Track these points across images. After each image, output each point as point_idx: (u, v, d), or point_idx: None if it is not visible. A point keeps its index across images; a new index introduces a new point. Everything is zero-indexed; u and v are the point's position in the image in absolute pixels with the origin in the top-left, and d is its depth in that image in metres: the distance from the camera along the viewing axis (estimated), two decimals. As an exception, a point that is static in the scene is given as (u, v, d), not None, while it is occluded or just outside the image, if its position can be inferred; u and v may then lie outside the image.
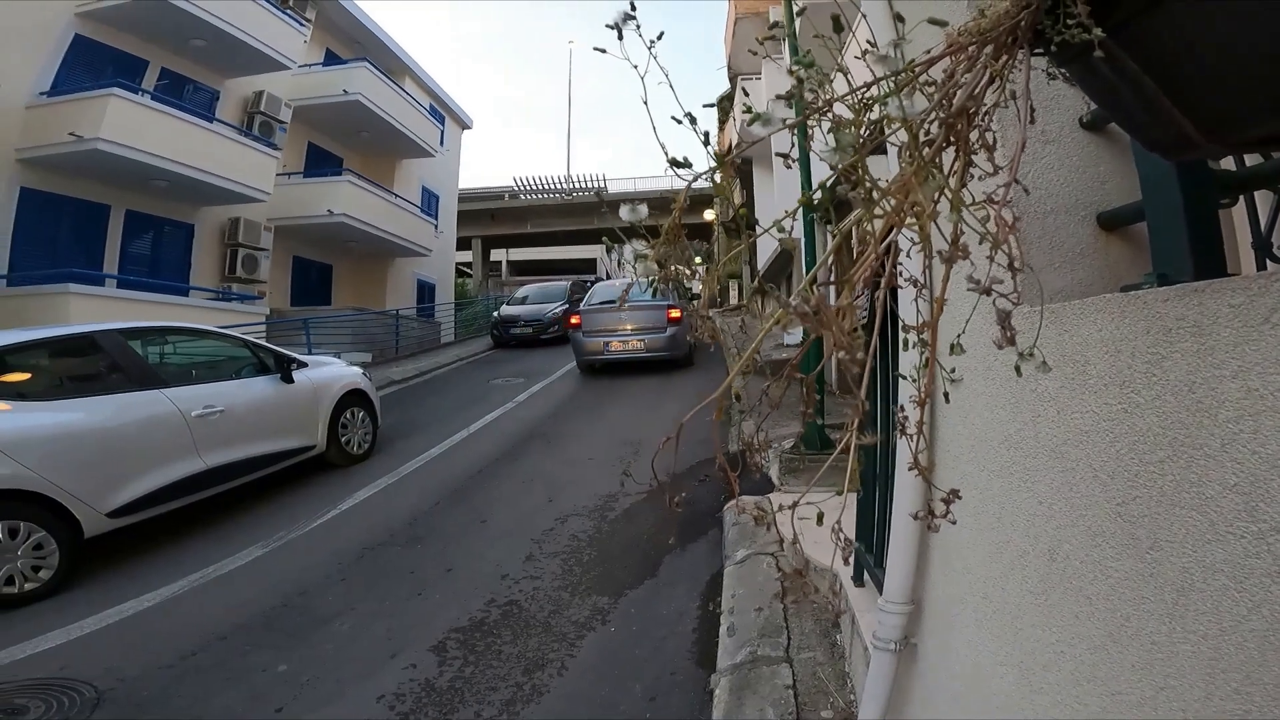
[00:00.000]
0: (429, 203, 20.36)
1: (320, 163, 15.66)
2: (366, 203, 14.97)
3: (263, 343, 5.82)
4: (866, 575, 2.59)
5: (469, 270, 39.02)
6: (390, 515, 4.89)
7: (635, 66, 0.76)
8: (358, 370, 6.74)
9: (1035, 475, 1.04)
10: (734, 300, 28.04)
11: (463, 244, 36.15)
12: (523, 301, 16.80)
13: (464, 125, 23.48)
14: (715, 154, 0.88)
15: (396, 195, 16.78)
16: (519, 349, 14.95)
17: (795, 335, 12.55)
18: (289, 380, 5.61)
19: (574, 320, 10.82)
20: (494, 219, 37.32)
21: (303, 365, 5.92)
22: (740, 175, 20.58)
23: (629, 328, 10.24)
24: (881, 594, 2.17)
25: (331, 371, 6.28)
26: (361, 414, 6.53)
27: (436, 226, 19.98)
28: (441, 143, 20.43)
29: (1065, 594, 0.94)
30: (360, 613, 3.36)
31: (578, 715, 2.43)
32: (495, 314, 16.53)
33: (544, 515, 4.67)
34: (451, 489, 5.45)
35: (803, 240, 5.23)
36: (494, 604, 3.33)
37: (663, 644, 2.89)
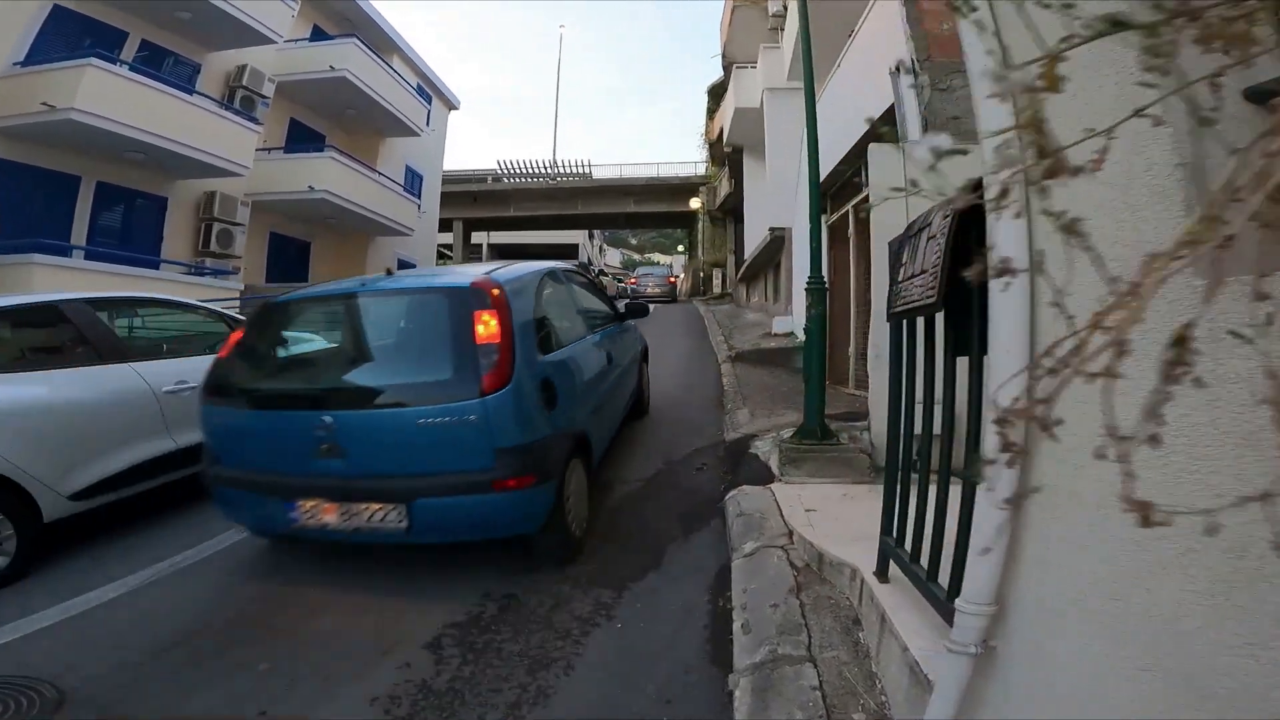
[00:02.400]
0: (412, 182, 19.92)
1: (302, 139, 15.19)
2: (350, 180, 14.56)
3: (236, 315, 5.52)
4: (896, 570, 2.46)
5: (449, 252, 38.51)
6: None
7: None
8: (339, 349, 6.46)
9: (1214, 460, 0.88)
10: (717, 289, 27.96)
11: (444, 225, 35.60)
12: (505, 283, 16.48)
13: (451, 106, 23.02)
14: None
15: (380, 173, 16.35)
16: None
17: (783, 324, 12.47)
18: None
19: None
20: (476, 201, 36.78)
21: (281, 342, 5.63)
22: (730, 164, 20.39)
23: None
24: (931, 591, 2.02)
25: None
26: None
27: (419, 206, 19.52)
28: (428, 122, 20.06)
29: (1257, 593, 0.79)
30: (347, 606, 3.16)
31: (589, 718, 2.26)
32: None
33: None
34: None
35: (808, 223, 5.07)
36: (490, 598, 3.15)
37: (674, 641, 2.73)
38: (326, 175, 13.87)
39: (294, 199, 13.82)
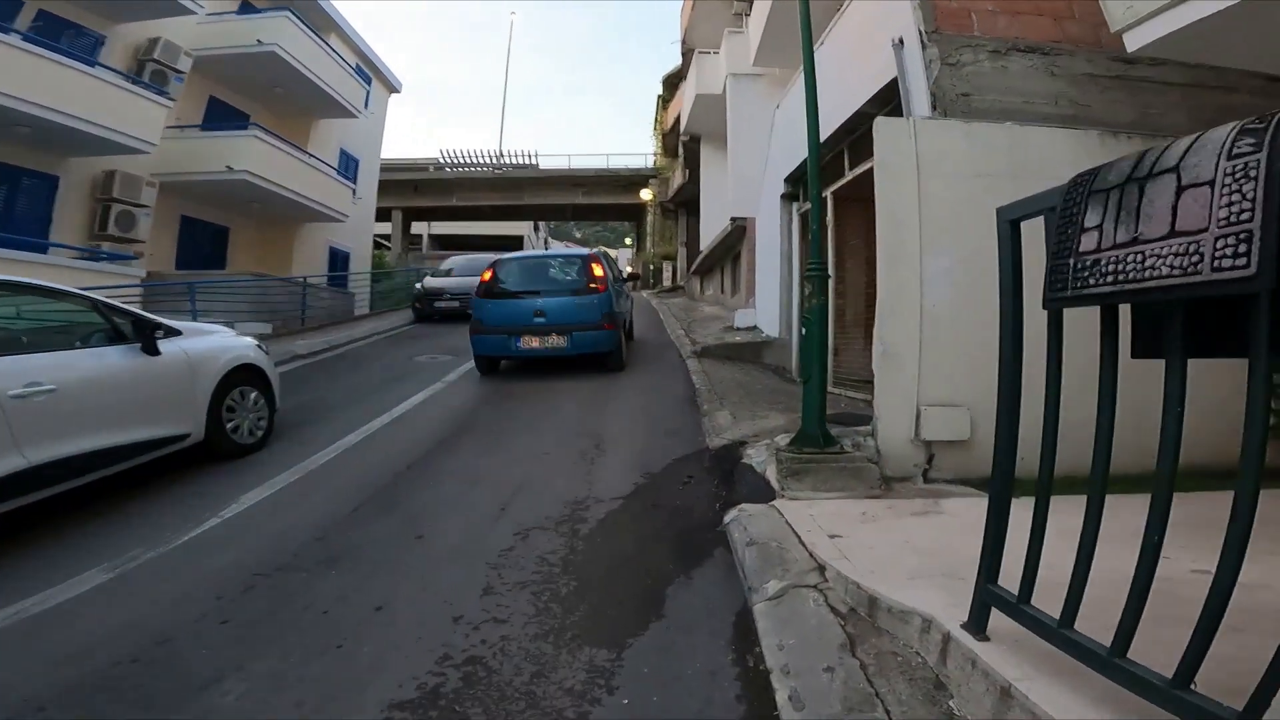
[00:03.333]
0: (347, 166, 18.65)
1: (222, 118, 13.82)
2: (275, 161, 13.36)
3: (117, 304, 4.54)
4: (1003, 619, 1.87)
5: (386, 243, 36.89)
6: (292, 526, 3.83)
7: None
8: (250, 341, 5.52)
9: None
10: (667, 282, 27.45)
11: (382, 215, 34.16)
12: (449, 274, 15.50)
13: (392, 88, 21.75)
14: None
15: (311, 155, 15.07)
16: (444, 324, 13.71)
17: (746, 318, 11.98)
18: (152, 351, 4.39)
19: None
20: (418, 190, 35.49)
21: (174, 333, 4.69)
22: (686, 154, 19.85)
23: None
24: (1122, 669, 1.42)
25: (215, 343, 5.05)
26: (254, 395, 5.34)
27: (355, 191, 18.22)
28: (366, 105, 18.97)
29: None
30: (251, 676, 2.36)
31: None
32: (418, 286, 15.11)
33: (498, 529, 3.73)
34: (374, 491, 4.41)
35: (808, 203, 4.49)
36: (449, 662, 2.41)
37: (700, 723, 2.07)
38: (248, 155, 12.64)
39: (210, 180, 12.53)
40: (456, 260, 17.32)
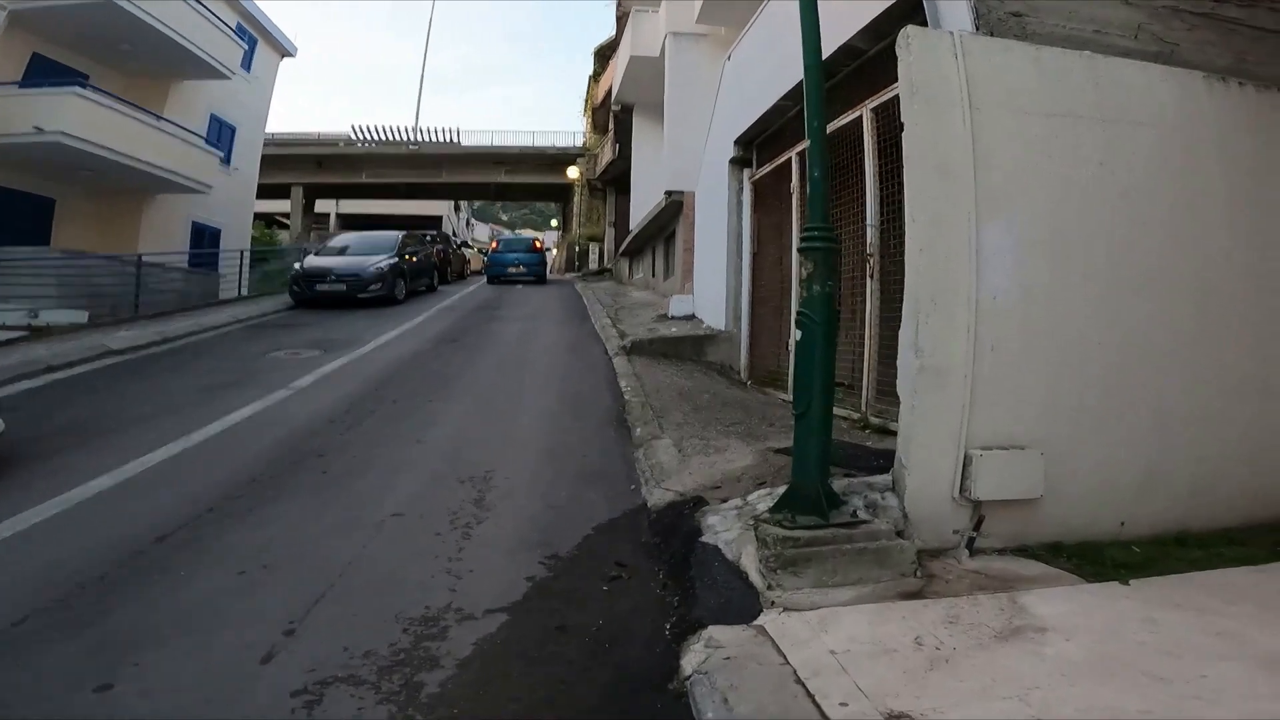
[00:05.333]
0: (220, 134, 15.97)
1: (50, 76, 11.13)
2: (105, 122, 11.02)
3: None
4: None
5: (286, 220, 33.57)
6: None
7: None
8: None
9: None
10: (594, 265, 25.70)
11: (280, 191, 31.07)
12: (340, 252, 13.25)
13: (285, 52, 19.08)
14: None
15: (160, 118, 12.50)
16: (328, 310, 11.55)
17: (682, 305, 10.41)
18: None
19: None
20: (321, 166, 32.64)
21: None
22: (618, 126, 18.10)
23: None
24: None
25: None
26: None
27: (225, 160, 15.60)
28: (248, 67, 16.47)
29: None
30: None
31: None
32: (297, 265, 12.80)
33: (266, 684, 2.02)
34: (84, 581, 2.59)
35: (807, 140, 2.92)
36: None
37: None
38: (65, 115, 10.20)
39: (16, 144, 10.00)
40: (350, 237, 15.02)
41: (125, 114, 11.50)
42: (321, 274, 12.06)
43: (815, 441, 2.70)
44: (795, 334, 2.76)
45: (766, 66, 6.12)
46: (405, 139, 33.17)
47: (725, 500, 3.16)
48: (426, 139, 33.61)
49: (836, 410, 4.82)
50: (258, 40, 17.49)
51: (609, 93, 17.65)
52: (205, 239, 15.70)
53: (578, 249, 27.98)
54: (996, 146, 2.78)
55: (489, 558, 2.95)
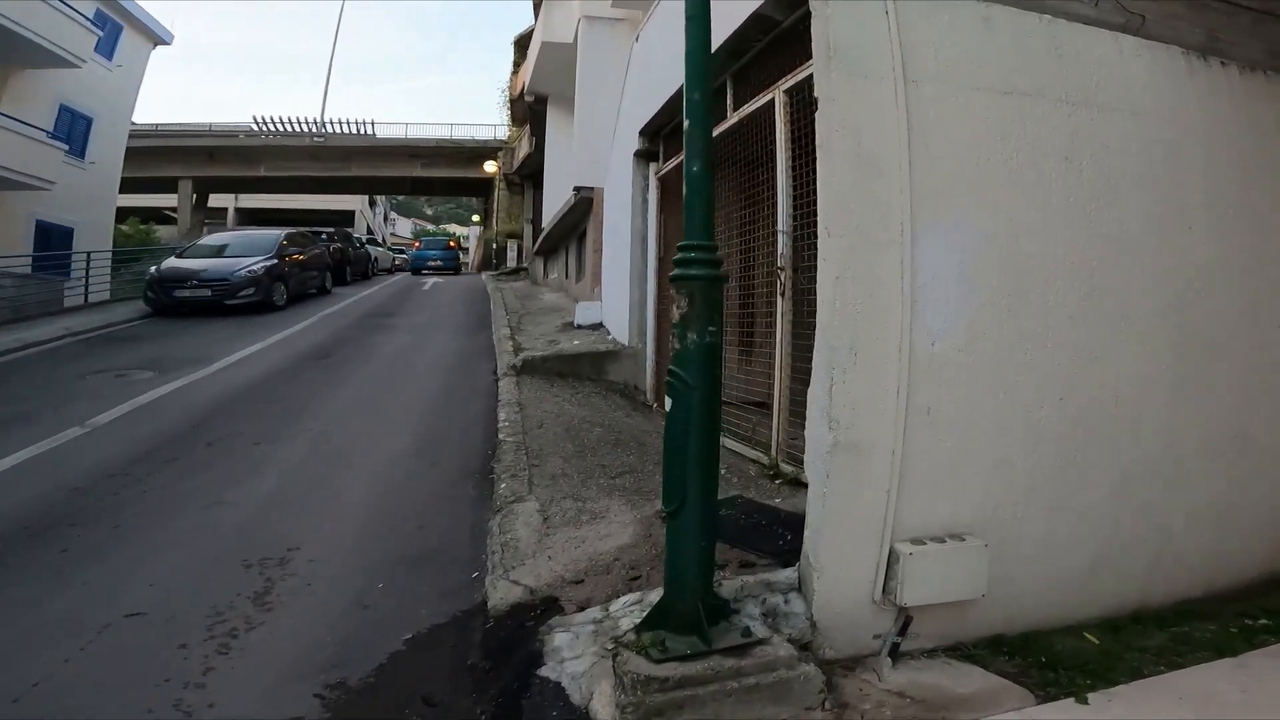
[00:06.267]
0: (73, 126, 14.22)
1: None
2: None
3: None
4: None
5: (173, 215, 30.77)
6: None
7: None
8: None
9: None
10: (512, 262, 24.51)
11: (168, 185, 28.61)
12: (216, 253, 11.69)
13: (158, 40, 17.17)
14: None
15: None
16: (193, 319, 10.09)
17: (589, 313, 9.51)
18: None
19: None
20: (214, 158, 29.98)
21: None
22: (533, 118, 16.96)
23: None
24: None
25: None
26: None
27: (78, 153, 13.86)
28: (109, 55, 15.12)
29: None
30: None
31: None
32: (153, 269, 11.20)
33: None
34: None
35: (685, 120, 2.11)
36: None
37: None
38: None
39: None
40: (229, 236, 13.43)
41: None
42: (181, 278, 10.55)
43: (693, 547, 1.92)
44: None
45: (674, 47, 5.35)
46: (310, 130, 31.04)
47: (583, 608, 2.33)
48: (335, 131, 31.58)
49: (740, 450, 4.13)
50: (123, 27, 15.98)
51: (524, 87, 16.61)
52: (53, 239, 13.74)
53: (495, 246, 26.69)
54: (938, 133, 2.07)
55: (244, 687, 2.06)
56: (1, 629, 2.38)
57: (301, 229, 15.18)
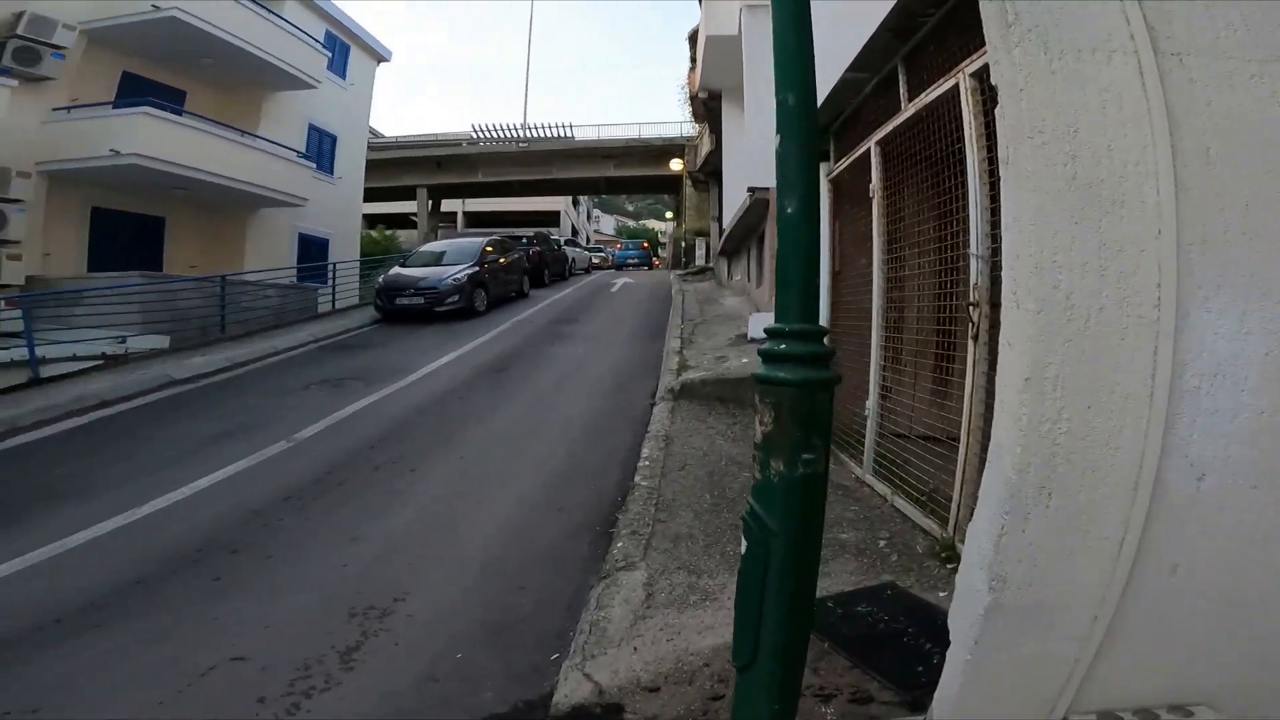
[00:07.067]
0: (320, 144, 16.27)
1: (144, 95, 11.46)
2: (182, 140, 11.08)
3: None
4: None
5: (415, 220, 34.94)
6: None
7: None
8: None
9: None
10: (701, 260, 24.27)
11: (407, 193, 32.47)
12: (433, 260, 12.90)
13: (379, 58, 19.23)
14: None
15: (243, 133, 12.74)
16: (410, 324, 11.22)
17: (762, 325, 8.67)
18: None
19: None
20: (441, 167, 33.38)
21: None
22: (710, 115, 16.50)
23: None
24: None
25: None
26: None
27: (327, 169, 15.98)
28: (342, 74, 16.68)
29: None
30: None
31: None
32: (380, 278, 12.60)
33: None
34: None
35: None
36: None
37: None
38: (140, 136, 10.30)
39: (100, 167, 10.32)
40: (444, 244, 14.79)
41: (204, 131, 11.63)
42: (400, 286, 11.76)
43: (762, 712, 1.35)
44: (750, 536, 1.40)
45: (837, 28, 4.54)
46: (515, 136, 33.45)
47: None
48: (537, 135, 33.69)
49: (911, 514, 3.32)
50: (350, 47, 17.59)
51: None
52: (313, 248, 16.16)
53: (684, 244, 26.64)
54: (1227, 137, 1.24)
55: None
56: (122, 662, 2.55)
57: (502, 235, 16.25)
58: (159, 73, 12.15)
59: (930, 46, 3.08)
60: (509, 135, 34.24)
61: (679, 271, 21.81)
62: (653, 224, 64.98)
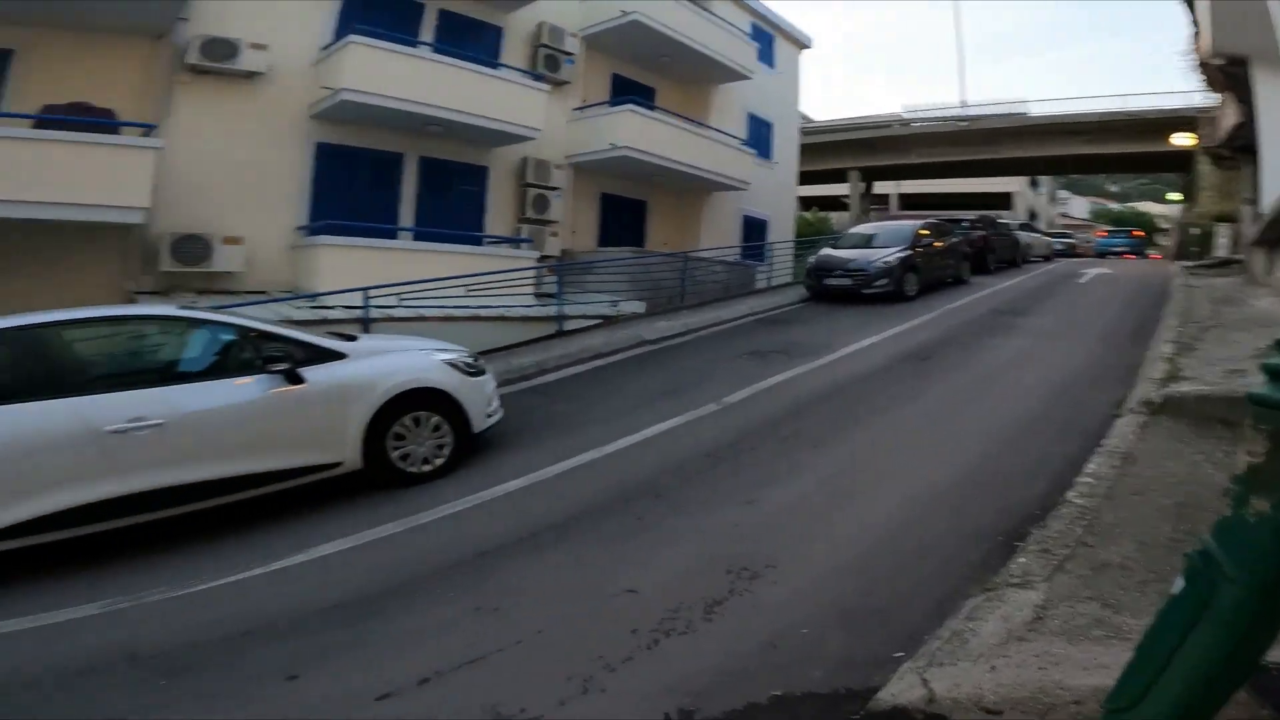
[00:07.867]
0: (758, 131, 17.91)
1: (627, 94, 14.34)
2: (653, 132, 13.22)
3: (277, 330, 4.41)
4: None
5: (847, 202, 35.35)
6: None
7: None
8: (440, 360, 4.93)
9: None
10: (1223, 252, 18.45)
11: (837, 175, 33.09)
12: (862, 243, 13.06)
13: (801, 45, 20.11)
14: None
15: (698, 124, 14.69)
16: (836, 304, 11.65)
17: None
18: (295, 380, 4.10)
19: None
20: (874, 149, 32.99)
21: (336, 356, 4.36)
22: (1232, 84, 12.29)
23: None
24: None
25: (379, 367, 4.57)
26: (435, 420, 4.73)
27: (765, 155, 17.50)
28: (770, 64, 17.82)
29: None
30: None
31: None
32: (811, 259, 13.24)
33: None
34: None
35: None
36: None
37: None
38: (625, 130, 12.65)
39: (601, 158, 13.03)
40: (877, 227, 14.67)
41: (668, 124, 13.59)
42: (829, 267, 12.20)
43: None
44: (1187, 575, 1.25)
45: None
46: (951, 116, 30.72)
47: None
48: (976, 114, 30.26)
49: None
50: (774, 37, 18.41)
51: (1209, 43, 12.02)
52: (754, 229, 17.89)
53: (1193, 231, 20.60)
54: None
55: (624, 690, 2.41)
56: (557, 577, 3.32)
57: (939, 218, 15.26)
58: (635, 72, 14.70)
59: None
60: (940, 115, 31.79)
61: (1186, 263, 17.10)
62: (1148, 206, 52.14)
